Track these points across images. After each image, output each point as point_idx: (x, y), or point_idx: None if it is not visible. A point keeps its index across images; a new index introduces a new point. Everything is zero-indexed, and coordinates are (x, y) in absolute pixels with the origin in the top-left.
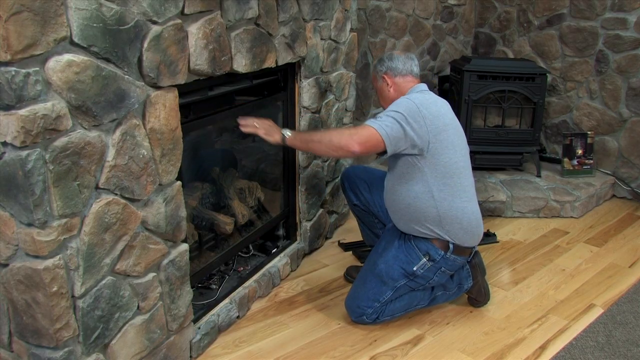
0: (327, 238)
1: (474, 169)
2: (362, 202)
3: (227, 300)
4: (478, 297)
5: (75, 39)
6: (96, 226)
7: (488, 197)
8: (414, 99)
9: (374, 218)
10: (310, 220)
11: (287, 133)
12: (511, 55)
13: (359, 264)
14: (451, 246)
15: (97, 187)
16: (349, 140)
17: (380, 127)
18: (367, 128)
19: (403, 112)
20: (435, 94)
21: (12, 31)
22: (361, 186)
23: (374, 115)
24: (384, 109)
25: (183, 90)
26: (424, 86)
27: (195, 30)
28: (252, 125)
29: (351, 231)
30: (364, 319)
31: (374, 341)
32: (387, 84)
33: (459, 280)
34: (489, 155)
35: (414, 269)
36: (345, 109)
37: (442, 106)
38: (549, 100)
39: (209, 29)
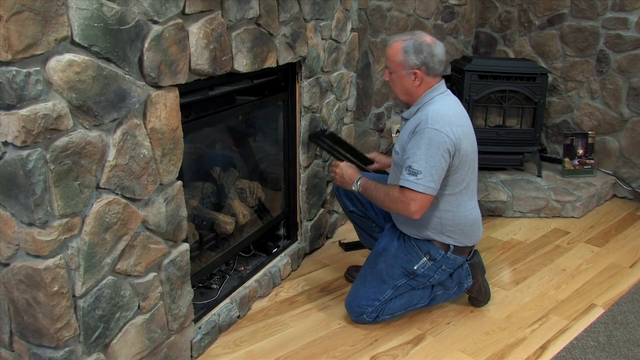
0: (327, 238)
1: None
2: (358, 208)
3: (227, 300)
4: (478, 297)
5: (76, 39)
6: (97, 226)
7: (486, 194)
8: (442, 127)
9: (372, 222)
10: (311, 220)
11: (357, 186)
12: (512, 55)
13: (359, 263)
14: (451, 247)
15: (97, 187)
16: (406, 211)
17: (425, 188)
18: (415, 195)
19: (437, 154)
20: None
21: (13, 31)
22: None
23: (407, 167)
24: (396, 96)
25: (184, 90)
26: (443, 85)
27: (196, 30)
28: (337, 172)
29: (352, 231)
30: (364, 317)
31: (375, 341)
32: (416, 78)
33: (458, 279)
34: (490, 155)
35: (415, 268)
36: (346, 109)
37: (463, 118)
38: (550, 100)
39: (210, 28)
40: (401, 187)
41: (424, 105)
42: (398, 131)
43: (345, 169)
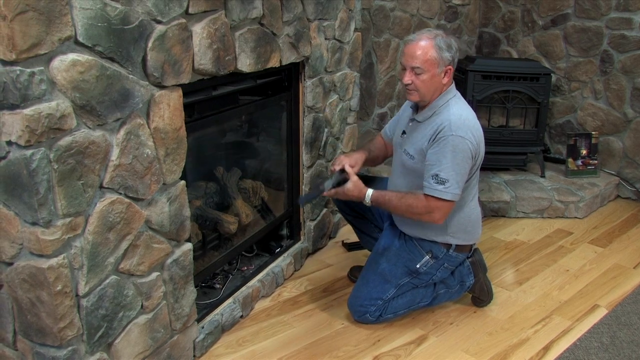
0: (330, 238)
1: None
2: (356, 210)
3: (230, 300)
4: (481, 296)
5: (80, 39)
6: (100, 225)
7: (488, 193)
8: (465, 133)
9: (370, 223)
10: (314, 220)
11: (368, 202)
12: (515, 55)
13: (362, 263)
14: (453, 245)
15: (101, 187)
16: (430, 218)
17: (452, 195)
18: (441, 203)
19: (463, 160)
20: None
21: (17, 31)
22: None
23: (433, 176)
24: (422, 97)
25: (187, 90)
26: (454, 88)
27: (199, 30)
28: (341, 199)
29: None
30: (367, 317)
31: (378, 341)
32: (446, 75)
33: (460, 277)
34: (493, 155)
35: (417, 266)
36: (349, 109)
37: (478, 121)
38: (554, 101)
39: (213, 28)
40: (426, 195)
41: (440, 109)
42: (404, 132)
43: (350, 193)
